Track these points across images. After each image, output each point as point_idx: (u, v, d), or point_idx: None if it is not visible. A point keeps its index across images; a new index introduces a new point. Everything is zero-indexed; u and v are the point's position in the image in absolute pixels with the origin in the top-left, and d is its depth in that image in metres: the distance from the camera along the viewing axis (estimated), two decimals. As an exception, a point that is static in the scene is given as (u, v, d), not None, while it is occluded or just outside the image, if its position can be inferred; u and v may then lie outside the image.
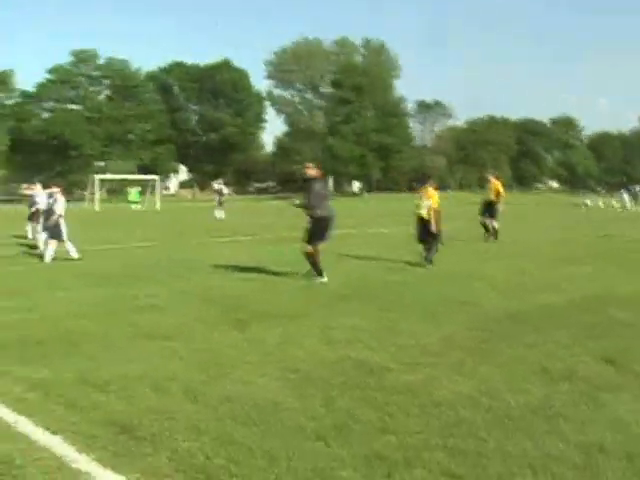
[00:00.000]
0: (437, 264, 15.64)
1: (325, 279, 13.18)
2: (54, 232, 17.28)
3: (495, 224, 23.00)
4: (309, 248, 13.37)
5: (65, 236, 17.40)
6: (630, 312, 10.10)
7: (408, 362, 7.30)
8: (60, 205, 17.68)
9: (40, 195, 20.57)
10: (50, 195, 18.37)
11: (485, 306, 10.55)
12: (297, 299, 11.40)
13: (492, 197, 23.41)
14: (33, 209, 20.92)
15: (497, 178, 24.63)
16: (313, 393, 6.30)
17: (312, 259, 13.41)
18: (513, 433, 5.29)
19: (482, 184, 24.42)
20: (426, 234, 16.01)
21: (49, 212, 17.70)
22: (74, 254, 17.17)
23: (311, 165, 13.92)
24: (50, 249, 17.02)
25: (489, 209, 23.17)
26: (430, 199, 16.12)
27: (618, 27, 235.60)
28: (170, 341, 8.34)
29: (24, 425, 5.58)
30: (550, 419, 5.58)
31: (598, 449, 5.00)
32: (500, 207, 23.16)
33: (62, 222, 17.49)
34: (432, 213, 15.94)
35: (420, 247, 16.23)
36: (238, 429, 5.45)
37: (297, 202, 14.08)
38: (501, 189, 23.57)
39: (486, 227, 22.83)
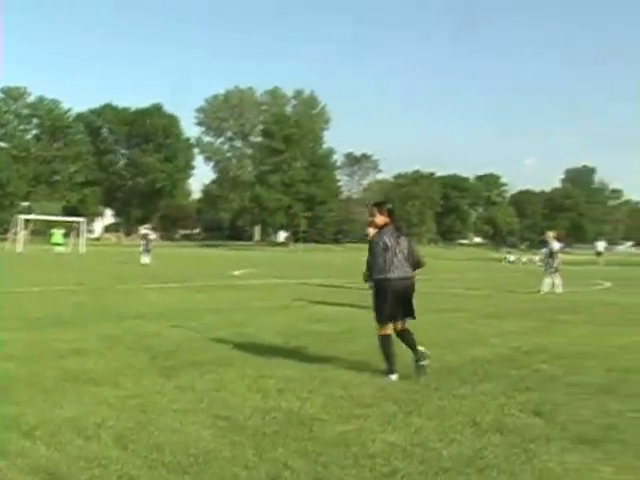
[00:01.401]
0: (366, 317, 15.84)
1: (394, 378, 9.07)
2: None
3: None
4: (380, 330, 9.35)
5: None
6: (556, 366, 10.28)
7: (340, 413, 7.28)
8: None
9: None
10: None
11: (415, 358, 10.60)
12: (229, 348, 11.28)
13: None
14: None
15: None
16: (245, 442, 6.23)
17: (381, 345, 9.33)
18: (447, 485, 5.32)
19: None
20: None
21: None
22: None
23: (378, 209, 9.66)
24: None
25: None
26: None
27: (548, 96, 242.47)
28: (98, 387, 8.19)
29: (-55, 470, 5.36)
30: (483, 471, 5.62)
31: (531, 501, 5.05)
32: None
33: None
34: None
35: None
36: (170, 477, 5.35)
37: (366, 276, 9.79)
38: None
39: None
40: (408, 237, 9.62)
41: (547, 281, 25.19)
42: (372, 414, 7.25)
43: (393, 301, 9.20)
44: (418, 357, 9.31)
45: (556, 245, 26.19)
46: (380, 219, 9.56)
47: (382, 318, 9.30)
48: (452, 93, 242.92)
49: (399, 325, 9.41)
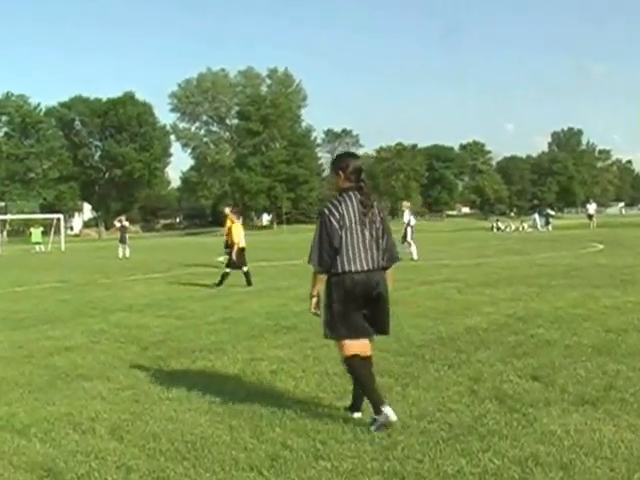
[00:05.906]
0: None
1: (390, 413, 5.92)
2: None
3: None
4: (341, 349, 6.22)
5: None
6: (551, 330, 10.24)
7: (335, 390, 7.23)
8: None
9: None
10: None
11: (409, 331, 10.49)
12: (218, 333, 11.23)
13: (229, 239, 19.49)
14: None
15: (232, 212, 20.12)
16: (242, 425, 6.19)
17: (350, 370, 6.23)
18: (448, 453, 5.28)
19: (395, 213, 25.45)
20: None
21: None
22: None
23: (333, 168, 6.37)
24: None
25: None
26: None
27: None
28: (90, 381, 8.13)
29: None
30: (484, 437, 5.57)
31: (534, 462, 5.02)
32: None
33: None
34: None
35: None
36: (169, 465, 5.32)
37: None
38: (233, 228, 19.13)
39: None
40: (380, 210, 6.35)
41: (413, 249, 26.26)
42: (368, 389, 7.19)
43: (355, 306, 6.16)
44: (375, 412, 5.98)
45: (407, 217, 27.56)
46: (337, 181, 6.28)
47: (337, 331, 6.18)
48: (427, 64, 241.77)
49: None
